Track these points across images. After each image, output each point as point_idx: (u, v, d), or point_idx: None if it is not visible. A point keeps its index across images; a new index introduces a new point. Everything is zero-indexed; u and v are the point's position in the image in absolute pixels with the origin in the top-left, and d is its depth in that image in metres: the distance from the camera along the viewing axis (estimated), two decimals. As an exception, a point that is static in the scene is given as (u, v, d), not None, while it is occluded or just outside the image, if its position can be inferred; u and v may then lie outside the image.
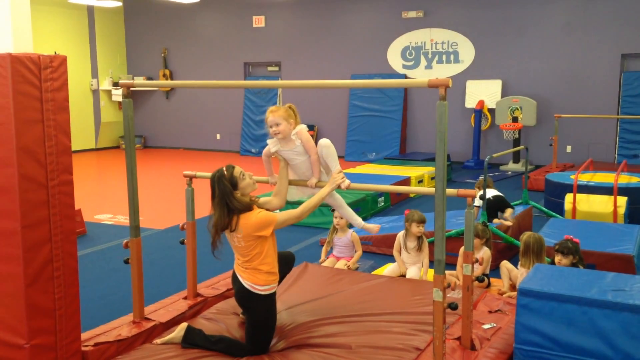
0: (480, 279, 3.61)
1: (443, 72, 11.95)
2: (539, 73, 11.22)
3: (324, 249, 5.19)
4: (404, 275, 4.72)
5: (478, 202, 5.27)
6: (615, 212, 6.07)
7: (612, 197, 6.16)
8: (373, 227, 3.67)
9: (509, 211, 5.68)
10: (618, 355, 2.80)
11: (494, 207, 5.64)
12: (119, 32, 15.13)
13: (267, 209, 3.26)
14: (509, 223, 5.49)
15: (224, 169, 3.16)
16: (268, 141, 3.49)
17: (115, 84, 14.53)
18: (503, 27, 11.41)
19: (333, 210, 5.06)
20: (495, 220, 5.56)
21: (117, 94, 14.49)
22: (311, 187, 3.44)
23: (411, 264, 4.79)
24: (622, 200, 6.18)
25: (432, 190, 2.80)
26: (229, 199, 3.08)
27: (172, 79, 14.71)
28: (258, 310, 3.17)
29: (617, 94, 10.72)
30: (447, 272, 2.90)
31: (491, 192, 5.77)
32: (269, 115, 3.37)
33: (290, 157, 3.43)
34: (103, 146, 14.80)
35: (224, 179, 3.11)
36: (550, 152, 10.06)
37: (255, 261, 3.13)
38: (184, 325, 3.33)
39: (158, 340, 3.32)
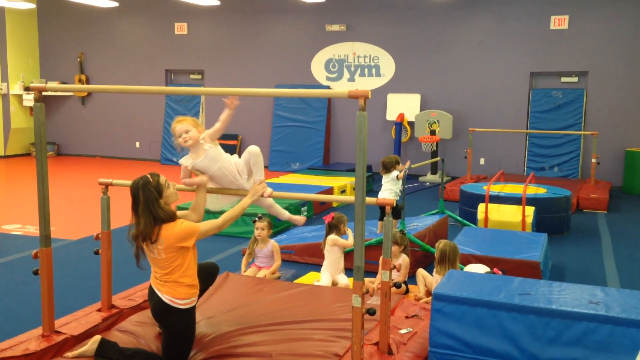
0: (397, 285, 3.71)
1: (365, 85, 12.22)
2: (455, 88, 11.70)
3: (244, 259, 5.14)
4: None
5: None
6: (523, 221, 6.40)
7: (521, 207, 6.50)
8: (299, 218, 3.72)
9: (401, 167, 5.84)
10: (524, 356, 2.94)
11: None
12: (32, 34, 14.45)
13: None
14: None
15: (149, 175, 3.07)
16: (181, 161, 3.39)
17: (27, 89, 13.84)
18: (422, 43, 11.83)
19: (254, 221, 5.04)
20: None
21: (29, 99, 13.81)
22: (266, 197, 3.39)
23: (340, 270, 4.85)
24: (530, 210, 6.52)
25: (352, 199, 2.85)
26: (153, 207, 2.99)
27: (88, 84, 14.18)
28: (177, 324, 3.09)
29: (527, 109, 11.35)
30: (365, 279, 2.96)
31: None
32: (176, 125, 3.28)
33: (206, 167, 3.34)
34: (13, 153, 14.04)
35: (149, 186, 3.01)
36: (465, 164, 10.49)
37: (175, 274, 3.05)
38: (97, 337, 3.20)
39: (69, 354, 3.18)
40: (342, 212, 5.08)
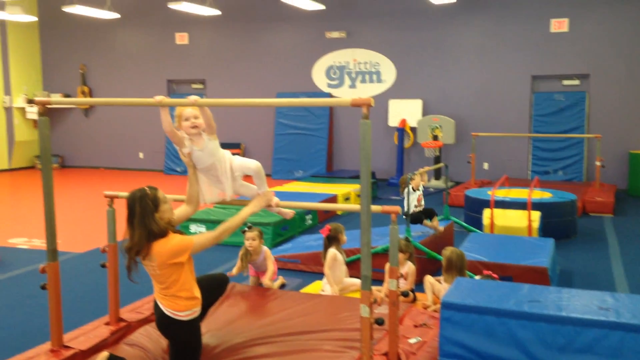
0: (405, 294, 3.69)
1: (366, 91, 12.24)
2: (456, 93, 11.70)
3: (234, 272, 4.61)
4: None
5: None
6: (530, 226, 6.38)
7: (527, 212, 6.48)
8: (288, 211, 3.53)
9: (436, 219, 5.90)
10: (534, 364, 2.93)
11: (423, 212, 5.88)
12: (34, 47, 14.52)
13: (183, 218, 3.20)
14: (441, 229, 5.84)
15: (147, 188, 3.04)
16: (181, 134, 3.19)
17: (30, 101, 13.89)
18: (422, 48, 11.84)
19: (244, 232, 4.67)
20: (426, 222, 5.79)
21: (32, 112, 13.86)
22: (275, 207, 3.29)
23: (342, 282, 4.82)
24: (536, 215, 6.51)
25: (358, 207, 2.85)
26: (148, 220, 2.93)
27: (91, 96, 14.23)
28: (181, 336, 3.08)
29: (529, 113, 11.34)
30: (373, 287, 2.95)
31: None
32: (186, 108, 3.15)
33: (201, 158, 3.20)
34: (17, 166, 14.08)
35: (147, 198, 2.97)
36: (468, 168, 10.48)
37: (172, 288, 3.01)
38: (105, 354, 3.18)
39: (78, 370, 3.18)
40: (346, 219, 5.05)
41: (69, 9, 11.35)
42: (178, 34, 13.53)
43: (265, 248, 4.76)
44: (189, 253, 3.00)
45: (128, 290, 4.21)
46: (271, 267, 4.73)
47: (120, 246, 3.07)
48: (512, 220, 6.52)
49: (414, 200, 5.75)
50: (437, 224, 5.91)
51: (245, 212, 3.22)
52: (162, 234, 2.97)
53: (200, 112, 3.15)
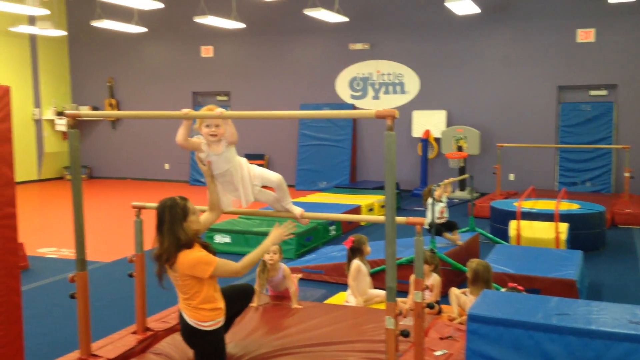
0: (430, 306, 3.66)
1: (390, 102, 12.23)
2: (481, 104, 11.63)
3: (255, 298, 4.22)
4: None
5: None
6: (557, 238, 6.29)
7: (554, 223, 6.39)
8: (298, 210, 3.37)
9: (456, 233, 5.86)
10: (563, 378, 2.88)
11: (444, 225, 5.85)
12: (63, 60, 14.84)
13: (207, 224, 3.23)
14: (460, 243, 5.75)
15: (177, 197, 3.09)
16: (199, 138, 3.18)
17: (60, 114, 14.18)
18: (446, 59, 11.81)
19: None
20: (446, 235, 5.75)
21: (61, 124, 14.15)
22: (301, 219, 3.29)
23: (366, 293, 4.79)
24: (564, 227, 6.41)
25: (382, 218, 2.84)
26: (177, 228, 2.99)
27: (118, 108, 14.47)
28: (205, 346, 3.11)
29: (555, 123, 11.21)
30: (398, 299, 2.94)
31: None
32: (209, 113, 3.12)
33: (217, 164, 3.18)
34: (46, 177, 14.35)
35: (177, 207, 3.03)
36: (494, 179, 10.38)
37: (195, 300, 3.05)
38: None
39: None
40: (370, 230, 5.03)
41: (98, 24, 11.59)
42: (203, 47, 13.72)
43: (283, 265, 4.48)
44: (211, 272, 3.00)
45: (155, 299, 4.26)
46: (293, 287, 4.47)
47: (149, 254, 3.11)
48: (539, 232, 6.44)
49: (437, 212, 5.72)
50: (458, 238, 5.83)
51: (266, 244, 3.25)
52: (189, 244, 3.02)
53: (222, 122, 3.16)
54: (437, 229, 5.68)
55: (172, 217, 3.01)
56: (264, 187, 3.37)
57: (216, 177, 3.25)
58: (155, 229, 3.06)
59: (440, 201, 5.81)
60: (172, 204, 3.04)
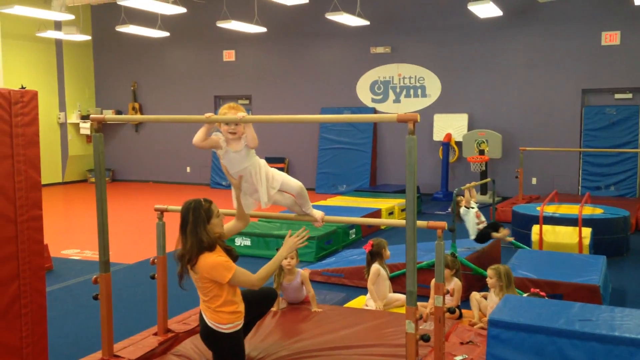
0: (451, 311, 3.64)
1: (411, 105, 12.19)
2: (503, 107, 11.53)
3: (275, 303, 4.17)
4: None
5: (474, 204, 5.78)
6: (580, 243, 6.21)
7: (577, 228, 6.30)
8: (317, 212, 3.40)
9: (502, 229, 5.86)
10: (586, 385, 2.84)
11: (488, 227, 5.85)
12: (88, 65, 15.08)
13: (233, 232, 3.29)
14: (510, 238, 5.92)
15: (202, 199, 3.13)
16: (217, 134, 3.21)
17: (84, 117, 14.40)
18: (468, 62, 11.74)
19: (278, 249, 4.59)
20: (495, 235, 5.75)
21: (85, 127, 14.36)
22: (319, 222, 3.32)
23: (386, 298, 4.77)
24: (587, 232, 6.32)
25: (403, 222, 2.84)
26: (199, 229, 3.02)
27: (141, 112, 14.65)
28: (224, 348, 3.13)
29: (579, 127, 11.07)
30: (418, 303, 2.93)
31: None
32: (230, 111, 3.12)
33: (234, 162, 3.19)
34: (70, 180, 14.58)
35: (200, 209, 3.07)
36: (516, 183, 10.28)
37: (214, 303, 3.08)
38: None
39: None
40: (389, 233, 5.01)
41: (122, 29, 11.76)
42: (225, 51, 13.82)
43: (300, 270, 4.44)
44: (230, 277, 3.02)
45: (176, 301, 4.30)
46: (311, 291, 4.43)
47: (172, 255, 3.16)
48: (562, 237, 6.36)
49: (473, 218, 5.70)
50: (507, 232, 5.87)
51: (281, 255, 3.27)
52: (211, 246, 3.05)
53: (243, 124, 3.16)
54: (485, 234, 5.67)
55: (195, 218, 3.05)
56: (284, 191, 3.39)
57: (234, 175, 3.25)
58: (179, 230, 3.10)
59: (472, 207, 5.78)
60: (195, 206, 3.08)
